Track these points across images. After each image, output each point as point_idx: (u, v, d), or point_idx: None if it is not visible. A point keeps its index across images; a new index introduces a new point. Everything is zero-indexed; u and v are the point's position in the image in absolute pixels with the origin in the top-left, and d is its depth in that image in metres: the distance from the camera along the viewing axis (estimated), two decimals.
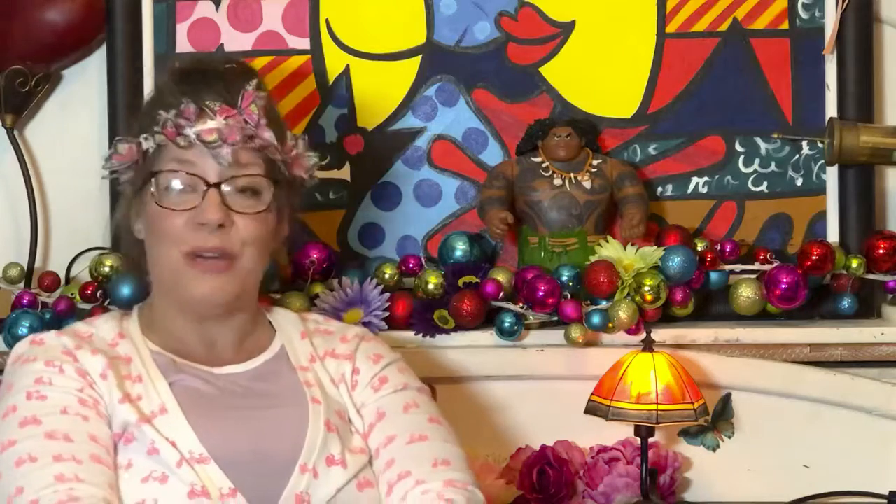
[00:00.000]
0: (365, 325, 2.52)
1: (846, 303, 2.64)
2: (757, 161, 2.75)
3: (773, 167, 2.75)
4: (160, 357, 2.06)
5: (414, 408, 2.09)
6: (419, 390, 2.13)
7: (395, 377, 2.13)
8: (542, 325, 2.58)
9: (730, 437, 2.60)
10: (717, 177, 2.75)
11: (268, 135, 2.06)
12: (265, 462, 1.97)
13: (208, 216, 2.01)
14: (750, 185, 2.75)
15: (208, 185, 2.02)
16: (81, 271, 2.65)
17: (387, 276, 2.61)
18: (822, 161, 2.73)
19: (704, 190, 2.75)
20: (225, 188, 2.03)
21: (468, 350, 2.57)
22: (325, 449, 2.00)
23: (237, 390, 2.05)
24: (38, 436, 1.91)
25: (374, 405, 2.09)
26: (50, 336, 2.06)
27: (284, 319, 2.18)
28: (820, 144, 2.72)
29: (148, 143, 2.05)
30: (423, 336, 2.57)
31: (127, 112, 2.65)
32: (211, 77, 2.09)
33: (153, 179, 2.04)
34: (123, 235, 2.17)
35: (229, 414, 2.01)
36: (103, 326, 2.11)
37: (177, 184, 2.03)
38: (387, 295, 2.57)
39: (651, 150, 2.75)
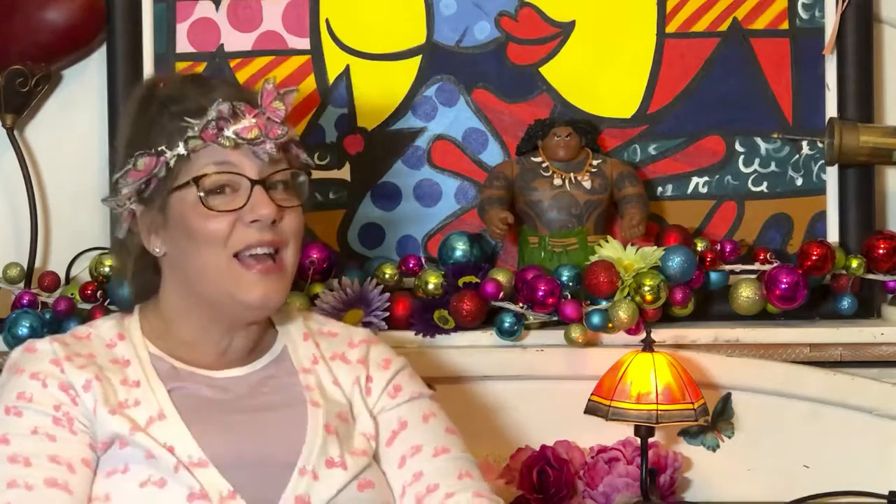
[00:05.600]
0: (365, 325, 2.52)
1: (846, 303, 2.64)
2: (757, 161, 2.75)
3: (773, 167, 2.75)
4: (160, 362, 2.05)
5: (432, 417, 2.12)
6: (431, 398, 2.16)
7: (408, 385, 2.14)
8: (542, 325, 2.58)
9: (730, 437, 2.60)
10: (717, 177, 2.75)
11: (292, 130, 2.06)
12: (264, 465, 1.96)
13: (262, 212, 1.98)
14: (750, 185, 2.75)
15: (252, 182, 2.00)
16: (81, 271, 2.66)
17: (387, 276, 2.61)
18: (822, 161, 2.73)
19: (704, 190, 2.76)
20: (267, 184, 2.00)
21: (468, 350, 2.57)
22: (324, 451, 2.00)
23: (237, 394, 2.04)
24: (3, 459, 1.93)
25: (395, 413, 2.10)
26: (43, 343, 2.04)
27: (287, 319, 2.17)
28: (820, 144, 2.72)
29: (173, 153, 2.00)
30: (423, 336, 2.57)
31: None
32: (220, 82, 2.08)
33: (195, 184, 1.99)
34: (126, 253, 2.10)
35: (229, 418, 2.00)
36: (103, 326, 2.10)
37: (218, 185, 1.99)
38: (387, 295, 2.57)
39: (651, 150, 2.75)
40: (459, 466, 2.06)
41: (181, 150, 1.99)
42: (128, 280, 2.11)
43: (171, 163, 2.00)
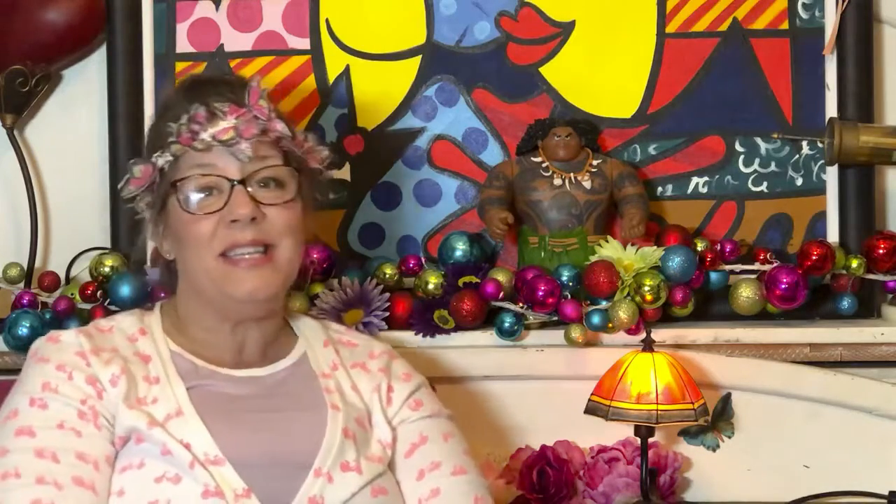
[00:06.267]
0: (365, 325, 2.53)
1: (846, 303, 2.64)
2: (757, 161, 2.75)
3: (773, 167, 2.75)
4: (181, 359, 2.06)
5: (451, 437, 2.14)
6: (449, 418, 2.18)
7: (428, 402, 2.16)
8: (542, 325, 2.58)
9: (730, 437, 2.60)
10: (717, 177, 2.75)
11: (280, 126, 2.06)
12: (279, 464, 1.97)
13: (239, 211, 2.00)
14: (750, 185, 2.75)
15: (233, 182, 2.01)
16: (81, 271, 2.65)
17: (387, 276, 2.61)
18: (822, 161, 2.73)
19: (704, 190, 2.76)
20: (249, 183, 2.02)
21: (468, 350, 2.57)
22: (340, 455, 2.01)
23: (256, 393, 2.05)
24: (28, 450, 1.92)
25: (416, 426, 2.12)
26: (68, 335, 2.06)
27: (306, 326, 2.18)
28: (820, 144, 2.72)
29: (163, 159, 2.03)
30: (423, 336, 2.57)
31: (126, 113, 2.66)
32: (214, 83, 2.10)
33: (175, 188, 2.02)
34: (160, 263, 2.15)
35: (246, 417, 2.01)
36: (125, 320, 2.11)
37: (201, 187, 2.02)
38: (387, 295, 2.57)
39: (651, 150, 2.75)
40: (475, 490, 2.09)
41: (168, 156, 2.03)
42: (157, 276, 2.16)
43: (166, 168, 2.03)
